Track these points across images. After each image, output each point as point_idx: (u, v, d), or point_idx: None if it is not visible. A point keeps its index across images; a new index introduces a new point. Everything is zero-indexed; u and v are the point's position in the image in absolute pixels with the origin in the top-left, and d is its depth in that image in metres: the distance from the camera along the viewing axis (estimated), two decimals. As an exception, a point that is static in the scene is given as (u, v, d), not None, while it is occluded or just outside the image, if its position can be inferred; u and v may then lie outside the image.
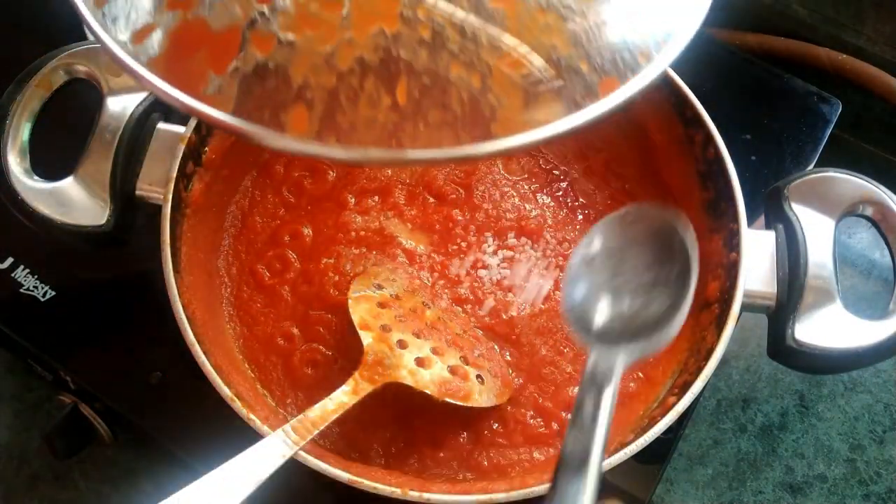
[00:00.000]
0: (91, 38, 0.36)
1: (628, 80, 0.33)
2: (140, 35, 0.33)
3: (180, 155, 0.44)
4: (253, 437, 0.37)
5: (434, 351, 0.43)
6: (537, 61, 0.33)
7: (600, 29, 0.34)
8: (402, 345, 0.43)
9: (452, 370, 0.43)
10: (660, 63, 0.34)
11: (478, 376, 0.43)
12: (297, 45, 0.32)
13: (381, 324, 0.43)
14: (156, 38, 0.33)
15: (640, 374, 0.46)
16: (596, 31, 0.34)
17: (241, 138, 0.31)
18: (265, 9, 0.32)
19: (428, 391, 0.41)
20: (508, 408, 0.45)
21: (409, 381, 0.41)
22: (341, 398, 0.40)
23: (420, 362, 0.42)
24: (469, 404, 0.42)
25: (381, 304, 0.44)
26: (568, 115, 0.32)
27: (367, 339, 0.42)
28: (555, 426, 0.45)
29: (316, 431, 0.38)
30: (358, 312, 0.43)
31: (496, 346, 0.47)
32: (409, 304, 0.46)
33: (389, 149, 0.31)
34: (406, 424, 0.44)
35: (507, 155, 0.32)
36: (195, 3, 0.33)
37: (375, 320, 0.43)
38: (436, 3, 0.33)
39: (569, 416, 0.45)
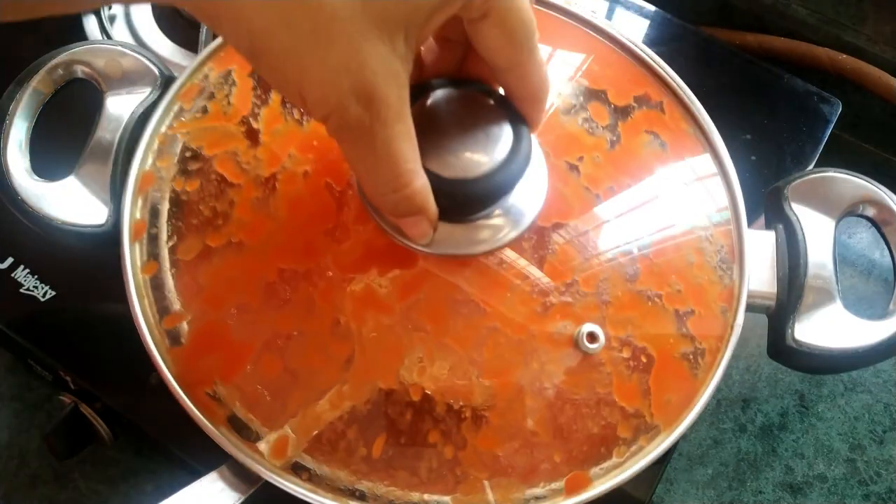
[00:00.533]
0: (91, 37, 0.38)
1: (595, 485, 0.34)
2: (173, 319, 0.36)
3: (180, 156, 0.44)
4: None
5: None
6: (512, 444, 0.34)
7: (587, 417, 0.35)
8: None
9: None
10: (637, 464, 0.35)
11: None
12: (301, 377, 0.34)
13: None
14: (184, 328, 0.36)
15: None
16: (582, 419, 0.35)
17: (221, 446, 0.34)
18: (283, 333, 0.34)
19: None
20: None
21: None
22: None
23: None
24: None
25: None
26: None
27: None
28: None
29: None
30: None
31: None
32: None
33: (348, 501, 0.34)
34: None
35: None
36: (225, 307, 0.35)
37: None
38: (433, 372, 0.34)
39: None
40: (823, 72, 0.64)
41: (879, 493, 0.53)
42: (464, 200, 0.33)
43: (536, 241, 0.36)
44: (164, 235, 0.37)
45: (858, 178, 0.43)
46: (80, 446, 0.49)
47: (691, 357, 0.37)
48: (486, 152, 0.32)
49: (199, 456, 0.44)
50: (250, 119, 0.39)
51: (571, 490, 0.34)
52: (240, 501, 0.35)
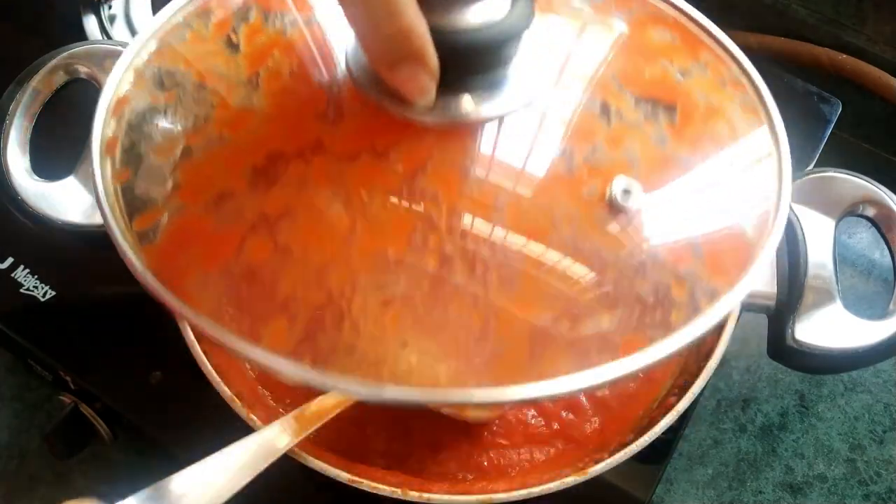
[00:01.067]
0: (92, 39, 0.36)
1: (655, 344, 0.29)
2: (146, 218, 0.32)
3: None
4: (253, 437, 0.37)
5: None
6: (551, 308, 0.30)
7: (633, 278, 0.31)
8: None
9: None
10: (699, 326, 0.30)
11: None
12: (294, 256, 0.30)
13: None
14: (159, 225, 0.32)
15: (640, 374, 0.46)
16: (628, 280, 0.31)
17: (212, 341, 0.30)
18: (272, 213, 0.31)
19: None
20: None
21: None
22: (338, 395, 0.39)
23: None
24: (463, 418, 0.42)
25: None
26: (578, 373, 0.29)
27: None
28: (555, 426, 0.45)
29: (317, 425, 0.38)
30: None
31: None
32: None
33: (365, 382, 0.28)
34: (404, 426, 0.44)
35: (499, 405, 0.30)
36: (205, 198, 0.32)
37: None
38: (451, 235, 0.30)
39: (570, 415, 0.45)
40: (823, 72, 0.64)
41: (879, 493, 0.53)
42: (466, 53, 0.30)
43: (554, 107, 0.33)
44: (138, 142, 0.35)
45: (858, 178, 0.43)
46: (80, 446, 0.49)
47: (738, 227, 0.34)
48: (487, 4, 0.30)
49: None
50: (230, 34, 0.36)
51: (627, 353, 0.30)
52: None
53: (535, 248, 0.31)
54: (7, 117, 0.42)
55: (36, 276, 0.50)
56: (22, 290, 0.49)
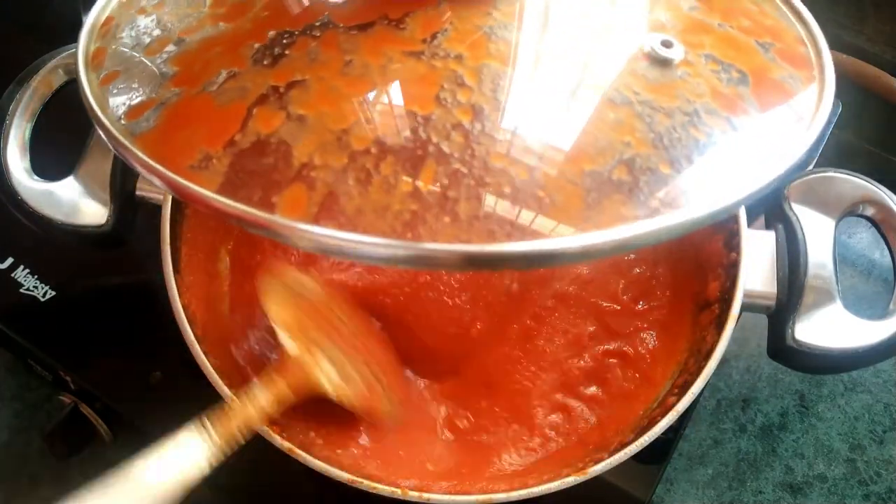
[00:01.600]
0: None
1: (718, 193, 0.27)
2: (138, 110, 0.30)
3: (180, 155, 0.43)
4: (254, 437, 0.37)
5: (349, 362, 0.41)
6: (603, 158, 0.28)
7: (685, 129, 0.29)
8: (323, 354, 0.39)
9: (367, 385, 0.40)
10: (770, 174, 0.29)
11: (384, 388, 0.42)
12: (309, 122, 0.28)
13: (305, 329, 0.40)
14: (152, 113, 0.30)
15: (640, 375, 0.46)
16: (680, 131, 0.29)
17: (222, 218, 0.27)
18: (281, 84, 0.29)
19: (346, 404, 0.39)
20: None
21: (331, 393, 0.38)
22: (265, 408, 0.37)
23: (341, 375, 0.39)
24: (375, 419, 0.41)
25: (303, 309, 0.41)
26: (639, 221, 0.26)
27: (290, 345, 0.38)
28: (552, 430, 0.45)
29: (242, 441, 0.36)
30: (280, 314, 0.39)
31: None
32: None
33: (401, 240, 0.25)
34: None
35: (554, 265, 0.28)
36: (202, 81, 0.30)
37: (299, 324, 0.40)
38: (483, 91, 0.28)
39: (570, 415, 0.45)
40: (823, 72, 0.64)
41: (879, 493, 0.53)
42: None
43: None
44: (125, 45, 0.33)
45: (858, 178, 0.43)
46: (79, 446, 0.49)
47: (789, 82, 0.32)
48: None
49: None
50: None
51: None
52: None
53: (580, 101, 0.29)
54: (7, 117, 0.42)
55: (36, 276, 0.50)
56: (22, 290, 0.50)
